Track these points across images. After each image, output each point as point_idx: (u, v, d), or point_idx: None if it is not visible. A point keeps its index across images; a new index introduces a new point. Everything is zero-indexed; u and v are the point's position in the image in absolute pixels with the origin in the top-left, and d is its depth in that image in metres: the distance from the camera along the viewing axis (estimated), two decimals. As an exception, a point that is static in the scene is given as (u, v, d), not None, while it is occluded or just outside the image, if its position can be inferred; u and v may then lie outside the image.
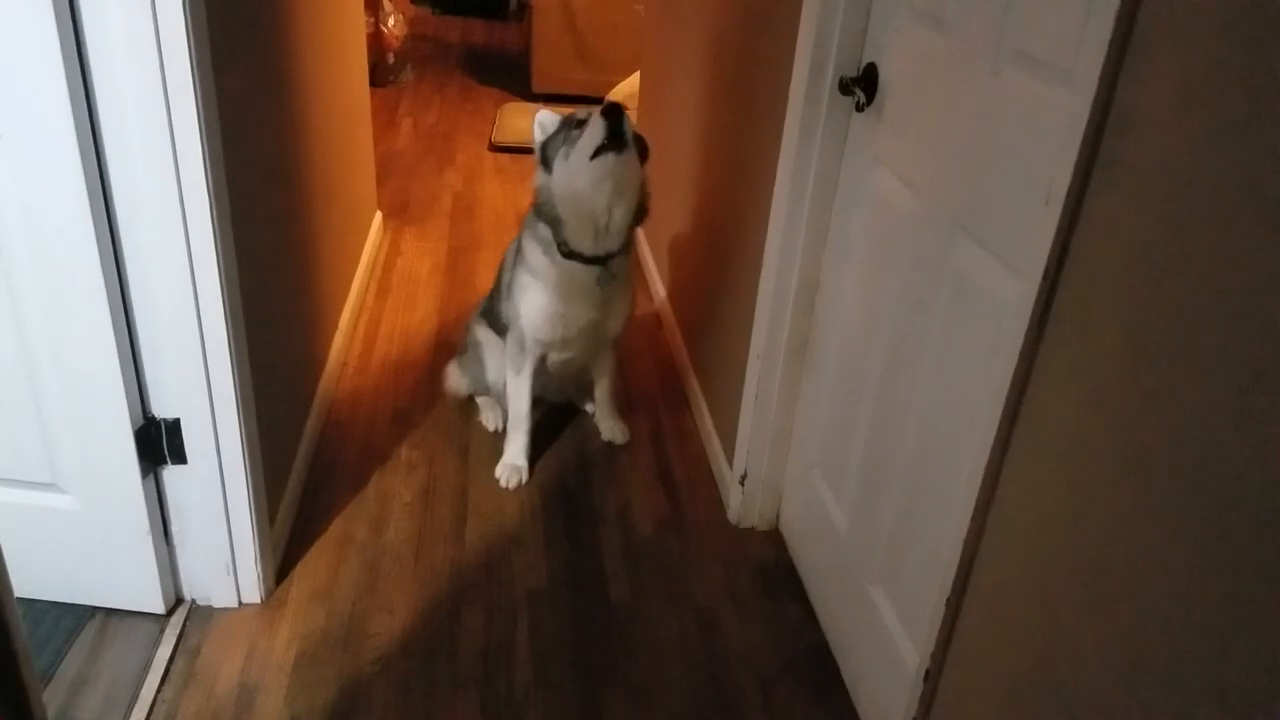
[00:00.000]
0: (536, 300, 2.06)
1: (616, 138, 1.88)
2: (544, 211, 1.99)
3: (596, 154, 1.88)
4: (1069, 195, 0.96)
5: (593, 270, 2.01)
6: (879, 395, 1.56)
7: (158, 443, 1.60)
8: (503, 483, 2.17)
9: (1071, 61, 1.04)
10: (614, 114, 1.88)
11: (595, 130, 1.89)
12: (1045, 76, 1.10)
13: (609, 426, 2.36)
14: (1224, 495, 0.78)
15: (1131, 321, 0.89)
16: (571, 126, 1.96)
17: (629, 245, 2.06)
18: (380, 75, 5.16)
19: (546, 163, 1.99)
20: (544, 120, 2.02)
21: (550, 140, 1.99)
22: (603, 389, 2.35)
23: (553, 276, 2.02)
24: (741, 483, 2.04)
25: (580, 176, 1.91)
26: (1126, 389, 0.90)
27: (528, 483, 2.18)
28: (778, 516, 2.08)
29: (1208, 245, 0.80)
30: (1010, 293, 1.14)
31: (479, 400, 2.42)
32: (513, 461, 2.20)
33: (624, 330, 2.23)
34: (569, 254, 1.99)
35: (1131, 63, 0.89)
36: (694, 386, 2.51)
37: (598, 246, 1.98)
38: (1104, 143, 0.93)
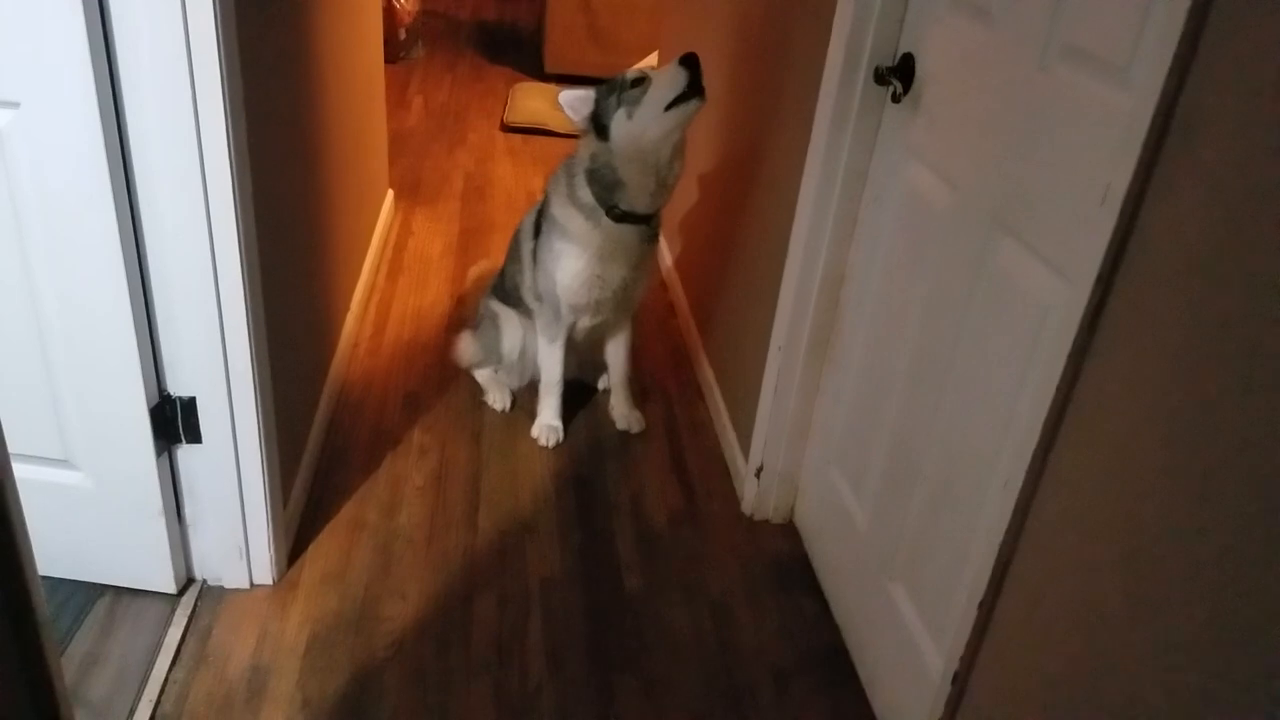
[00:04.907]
0: (573, 266, 2.07)
1: (698, 85, 1.88)
2: (601, 176, 1.98)
3: (674, 104, 1.88)
4: (1127, 198, 0.94)
5: (639, 230, 2.04)
6: (905, 393, 1.54)
7: (173, 421, 1.58)
8: (541, 441, 2.25)
9: (1129, 58, 1.01)
10: (693, 63, 1.88)
11: (675, 80, 1.88)
12: (1099, 74, 1.07)
13: (623, 414, 2.34)
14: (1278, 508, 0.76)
15: (1191, 329, 0.87)
16: (622, 89, 1.94)
17: None
18: (391, 51, 5.09)
19: (601, 130, 1.96)
20: (571, 99, 1.99)
21: (600, 107, 1.96)
22: (618, 372, 2.33)
23: (595, 241, 2.04)
24: (757, 475, 2.02)
25: (651, 129, 1.91)
26: (1182, 398, 0.87)
27: (541, 470, 2.17)
28: (793, 510, 2.07)
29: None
30: (1056, 295, 1.12)
31: (481, 379, 2.40)
32: (549, 422, 2.27)
33: (646, 292, 2.29)
34: (620, 216, 2.00)
35: (1202, 62, 0.86)
36: (708, 376, 2.48)
37: (654, 203, 2.02)
38: (1168, 143, 0.90)
